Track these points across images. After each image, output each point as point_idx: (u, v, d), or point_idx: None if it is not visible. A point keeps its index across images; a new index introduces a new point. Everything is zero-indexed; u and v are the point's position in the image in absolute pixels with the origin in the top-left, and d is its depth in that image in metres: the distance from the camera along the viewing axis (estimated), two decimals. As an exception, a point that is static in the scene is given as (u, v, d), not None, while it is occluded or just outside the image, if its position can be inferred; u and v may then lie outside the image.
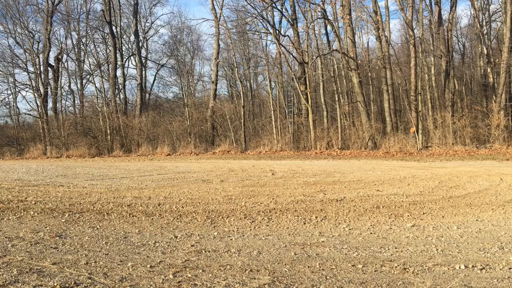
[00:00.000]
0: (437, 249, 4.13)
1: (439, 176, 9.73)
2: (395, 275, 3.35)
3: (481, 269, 3.46)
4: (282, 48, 25.15)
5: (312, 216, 5.78)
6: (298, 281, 3.21)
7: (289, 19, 25.42)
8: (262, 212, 6.03)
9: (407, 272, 3.42)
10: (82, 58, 33.07)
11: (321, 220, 5.56)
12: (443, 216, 5.71)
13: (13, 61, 32.53)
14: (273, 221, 5.53)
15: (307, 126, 24.44)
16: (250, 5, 25.92)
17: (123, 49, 34.47)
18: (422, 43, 24.34)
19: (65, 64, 33.10)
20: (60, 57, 31.51)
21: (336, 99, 25.92)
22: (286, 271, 3.46)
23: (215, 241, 4.51)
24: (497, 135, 18.86)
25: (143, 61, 34.42)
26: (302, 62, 24.44)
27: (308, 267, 3.57)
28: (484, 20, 26.70)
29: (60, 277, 3.22)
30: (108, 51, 33.57)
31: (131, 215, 5.88)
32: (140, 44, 33.74)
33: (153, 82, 37.66)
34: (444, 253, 3.99)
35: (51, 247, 4.17)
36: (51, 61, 31.08)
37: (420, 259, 3.79)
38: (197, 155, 23.66)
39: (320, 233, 4.92)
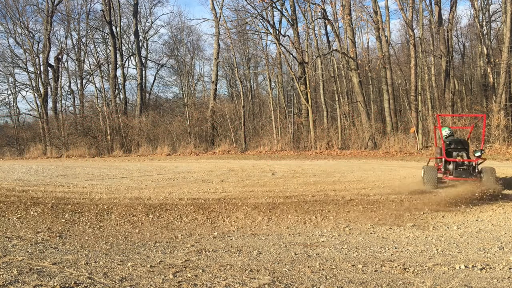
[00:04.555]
0: (437, 249, 4.13)
1: (439, 176, 9.70)
2: (395, 275, 3.34)
3: (481, 269, 3.46)
4: (282, 48, 25.15)
5: (312, 216, 5.78)
6: (298, 281, 3.21)
7: (289, 19, 25.41)
8: (262, 212, 6.03)
9: (407, 272, 3.41)
10: (82, 58, 33.02)
11: (321, 220, 5.56)
12: (443, 216, 5.71)
13: (13, 61, 32.52)
14: (273, 221, 5.53)
15: (307, 126, 24.43)
16: (250, 5, 25.94)
17: (123, 49, 34.44)
18: (422, 43, 24.33)
19: (65, 64, 33.06)
20: (60, 57, 31.49)
21: (336, 99, 25.92)
22: (286, 271, 3.46)
23: (215, 241, 4.51)
24: (497, 135, 18.85)
25: (143, 61, 34.39)
26: (302, 62, 24.43)
27: (308, 267, 3.56)
28: (484, 20, 26.68)
29: (60, 277, 3.21)
30: (108, 51, 33.56)
31: (131, 215, 5.88)
32: (140, 44, 33.72)
33: (153, 82, 37.62)
34: (444, 253, 3.99)
35: (51, 247, 4.17)
36: (51, 61, 31.06)
37: (420, 259, 3.78)
38: (197, 155, 23.66)
39: (320, 233, 4.92)
